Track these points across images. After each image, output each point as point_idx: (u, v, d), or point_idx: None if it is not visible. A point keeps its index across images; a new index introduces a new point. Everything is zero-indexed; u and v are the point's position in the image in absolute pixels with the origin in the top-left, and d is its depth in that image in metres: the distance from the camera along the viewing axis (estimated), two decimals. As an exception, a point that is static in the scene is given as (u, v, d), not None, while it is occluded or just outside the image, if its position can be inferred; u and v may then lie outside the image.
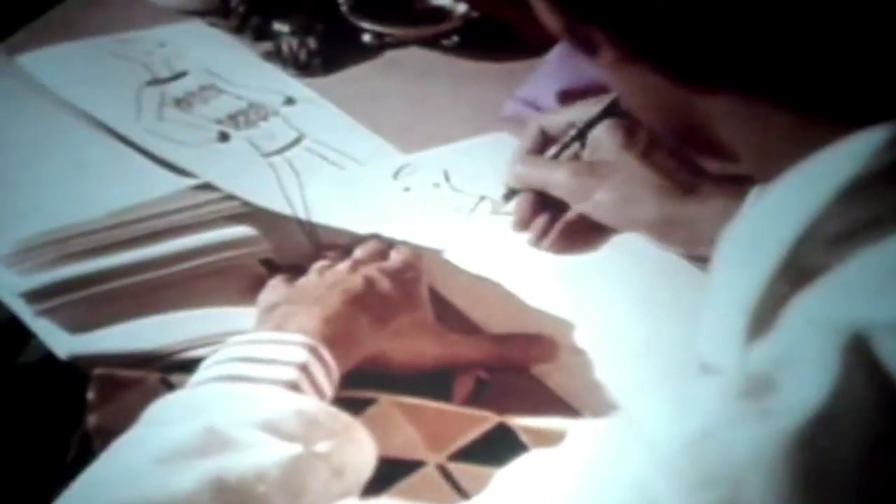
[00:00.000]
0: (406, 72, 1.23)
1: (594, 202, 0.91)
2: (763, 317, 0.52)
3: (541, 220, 0.95)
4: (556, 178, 0.93)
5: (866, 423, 0.44)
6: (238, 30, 1.28)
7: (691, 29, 0.52)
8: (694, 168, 0.89)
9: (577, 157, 0.96)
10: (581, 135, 0.95)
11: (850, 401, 0.44)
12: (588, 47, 0.57)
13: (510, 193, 0.97)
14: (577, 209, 0.93)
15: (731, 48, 0.53)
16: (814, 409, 0.44)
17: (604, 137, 0.92)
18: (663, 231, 0.90)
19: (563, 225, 0.94)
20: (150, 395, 0.72)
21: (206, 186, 0.96)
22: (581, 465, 0.49)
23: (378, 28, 1.27)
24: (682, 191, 0.89)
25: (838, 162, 0.51)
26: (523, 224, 0.95)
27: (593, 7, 0.55)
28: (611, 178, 0.90)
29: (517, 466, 0.52)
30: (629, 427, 0.48)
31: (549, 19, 0.58)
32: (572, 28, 0.57)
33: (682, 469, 0.45)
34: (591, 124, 0.94)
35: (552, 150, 0.96)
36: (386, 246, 0.92)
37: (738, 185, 0.64)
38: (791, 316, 0.50)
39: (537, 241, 0.95)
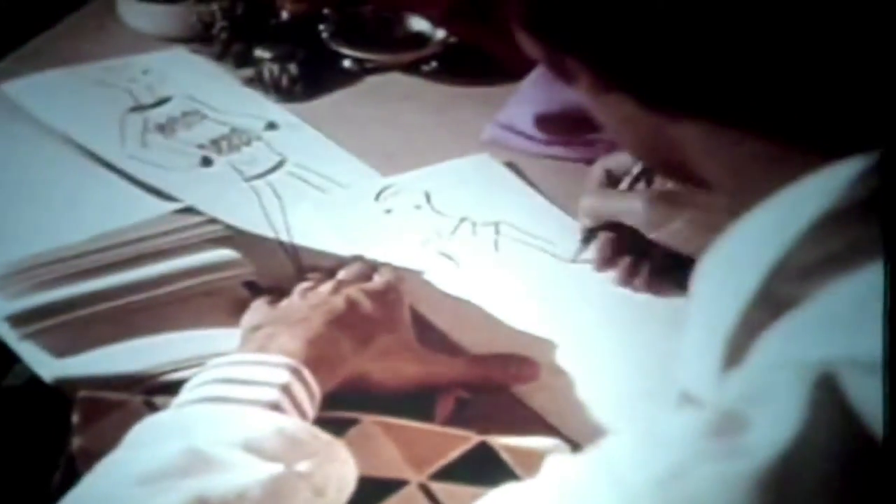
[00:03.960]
0: (386, 97, 1.24)
1: (671, 231, 0.89)
2: (739, 346, 0.52)
3: (625, 262, 0.93)
4: (631, 206, 0.91)
5: (834, 462, 0.45)
6: (220, 56, 1.29)
7: (664, 58, 0.53)
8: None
9: None
10: (646, 170, 0.93)
11: (818, 440, 0.45)
12: (567, 76, 0.58)
13: (589, 236, 0.95)
14: (652, 238, 0.91)
15: (703, 77, 0.53)
16: (782, 449, 0.44)
17: None
18: None
19: (651, 264, 0.92)
20: (133, 417, 0.72)
21: (189, 210, 0.96)
22: (552, 502, 0.49)
23: (358, 54, 1.28)
24: None
25: (812, 194, 0.51)
26: (606, 263, 0.94)
27: (568, 37, 0.56)
28: (688, 206, 0.89)
29: (491, 502, 0.52)
30: (601, 464, 0.48)
31: (529, 47, 0.59)
32: (550, 57, 0.58)
33: None
34: None
35: (623, 185, 0.94)
36: (368, 267, 0.92)
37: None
38: (763, 350, 0.50)
39: (625, 281, 0.93)
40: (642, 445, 0.48)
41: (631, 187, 0.94)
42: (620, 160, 0.96)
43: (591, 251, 0.96)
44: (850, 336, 0.47)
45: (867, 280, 0.48)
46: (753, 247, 0.53)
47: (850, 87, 0.52)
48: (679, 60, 0.53)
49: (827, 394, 0.45)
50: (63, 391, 0.83)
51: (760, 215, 0.54)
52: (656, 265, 0.93)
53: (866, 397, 0.45)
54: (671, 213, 0.89)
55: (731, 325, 0.52)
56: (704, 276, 0.57)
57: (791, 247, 0.51)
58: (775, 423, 0.45)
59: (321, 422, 0.74)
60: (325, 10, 1.32)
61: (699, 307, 0.57)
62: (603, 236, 0.94)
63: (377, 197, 1.06)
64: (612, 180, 0.96)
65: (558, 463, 0.51)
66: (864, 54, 0.51)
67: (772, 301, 0.51)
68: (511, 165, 1.12)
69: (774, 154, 0.54)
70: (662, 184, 0.92)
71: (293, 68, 1.23)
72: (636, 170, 0.94)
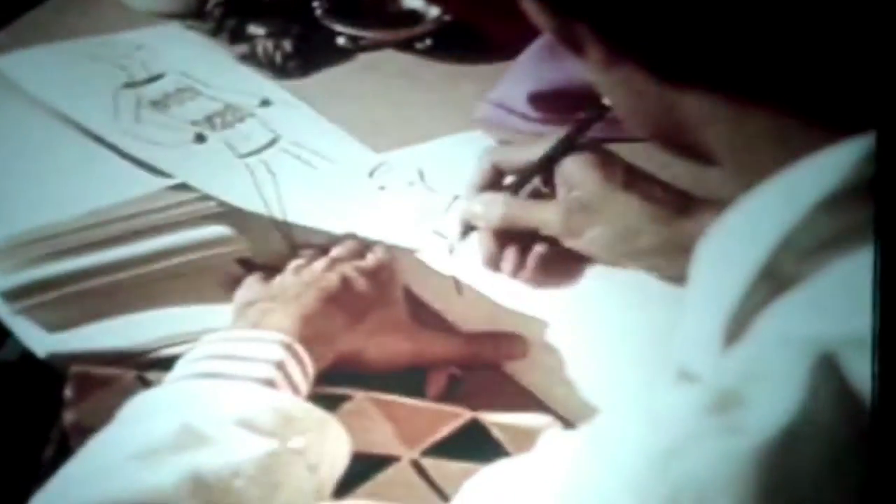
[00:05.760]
0: (380, 74, 1.24)
1: (589, 239, 0.87)
2: (739, 323, 0.52)
3: (511, 255, 0.90)
4: (548, 216, 0.88)
5: (832, 441, 0.44)
6: (214, 32, 1.28)
7: (677, 27, 0.52)
8: (677, 190, 0.88)
9: (538, 193, 0.92)
10: (541, 169, 0.91)
11: (817, 419, 0.44)
12: (576, 46, 0.57)
13: (467, 230, 0.92)
14: (569, 247, 0.89)
15: (716, 47, 0.53)
16: (780, 427, 0.44)
17: (578, 173, 0.88)
18: (664, 258, 0.86)
19: (537, 258, 0.90)
20: (126, 393, 0.72)
21: (183, 187, 0.96)
22: (548, 479, 0.49)
23: (352, 31, 1.28)
24: (675, 214, 0.86)
25: (818, 173, 0.51)
26: (493, 261, 0.90)
27: (579, 5, 0.55)
28: (602, 213, 0.87)
29: (485, 478, 0.52)
30: (597, 441, 0.48)
31: (537, 18, 0.58)
32: (560, 26, 0.57)
33: (647, 486, 0.45)
34: (551, 158, 0.90)
35: (509, 181, 0.92)
36: (361, 245, 0.92)
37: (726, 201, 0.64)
38: (763, 328, 0.50)
39: (514, 275, 0.90)
40: (640, 422, 0.48)
41: (520, 186, 0.93)
42: (509, 155, 0.94)
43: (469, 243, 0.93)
44: (851, 315, 0.47)
45: (868, 260, 0.48)
46: (757, 223, 0.53)
47: (857, 64, 0.52)
48: (692, 29, 0.52)
49: (826, 372, 0.45)
50: (56, 366, 0.83)
51: (764, 193, 0.53)
52: (543, 254, 0.90)
53: (865, 376, 0.45)
54: (588, 222, 0.87)
55: (733, 301, 0.52)
56: (706, 251, 0.56)
57: (795, 225, 0.51)
58: (774, 401, 0.45)
59: (314, 398, 0.74)
60: (319, -13, 1.32)
61: (699, 283, 0.56)
62: (483, 234, 0.91)
63: (371, 173, 1.06)
64: (498, 175, 0.93)
65: (553, 440, 0.52)
66: (873, 31, 0.51)
67: (774, 278, 0.51)
68: (504, 143, 1.11)
69: (781, 130, 0.53)
70: (569, 189, 0.89)
71: (287, 45, 1.23)
72: (529, 169, 0.92)
